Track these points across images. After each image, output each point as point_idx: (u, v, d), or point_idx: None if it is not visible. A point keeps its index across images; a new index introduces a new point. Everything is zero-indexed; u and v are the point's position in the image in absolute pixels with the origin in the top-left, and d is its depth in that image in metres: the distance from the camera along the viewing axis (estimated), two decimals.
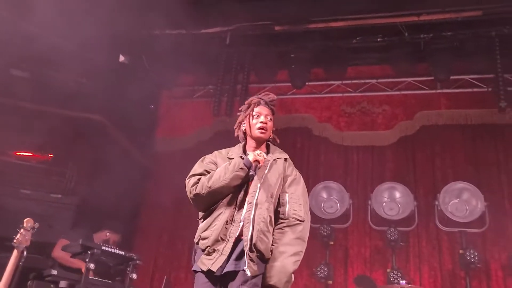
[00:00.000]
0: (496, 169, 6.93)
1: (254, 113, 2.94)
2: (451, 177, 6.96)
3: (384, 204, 6.85)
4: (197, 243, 2.72)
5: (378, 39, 6.97)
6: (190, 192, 2.76)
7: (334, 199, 7.11)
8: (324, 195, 7.15)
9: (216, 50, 7.53)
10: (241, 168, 2.68)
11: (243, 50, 7.62)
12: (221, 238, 2.61)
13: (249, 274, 2.49)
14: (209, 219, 2.72)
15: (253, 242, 2.55)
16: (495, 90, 6.84)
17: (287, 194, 2.79)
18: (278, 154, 2.94)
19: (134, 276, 4.51)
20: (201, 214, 2.86)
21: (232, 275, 2.56)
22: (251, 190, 2.70)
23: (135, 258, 4.59)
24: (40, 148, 6.88)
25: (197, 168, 2.89)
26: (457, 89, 7.40)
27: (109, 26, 5.95)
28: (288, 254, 2.61)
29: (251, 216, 2.60)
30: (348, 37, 7.04)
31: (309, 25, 6.97)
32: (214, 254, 2.59)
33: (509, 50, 6.65)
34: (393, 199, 6.89)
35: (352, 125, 7.65)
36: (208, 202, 2.74)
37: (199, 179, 2.76)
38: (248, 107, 2.99)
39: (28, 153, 7.09)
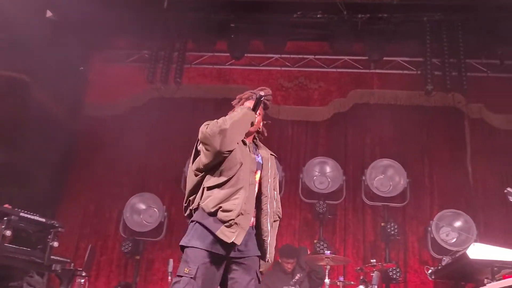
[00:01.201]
0: (420, 148, 7.35)
1: None
2: (378, 154, 7.29)
3: (315, 178, 7.05)
4: (213, 212, 2.64)
5: (318, 16, 7.02)
6: (205, 131, 2.66)
7: None
8: None
9: (153, 13, 7.22)
10: (247, 108, 2.81)
11: (182, 16, 7.36)
12: (241, 213, 2.66)
13: (270, 262, 2.77)
14: (227, 190, 2.68)
15: (270, 234, 2.79)
16: (423, 73, 7.17)
17: (275, 192, 2.98)
18: (269, 151, 3.06)
19: (56, 244, 4.32)
20: (208, 182, 2.75)
21: (239, 258, 2.69)
22: (264, 183, 2.85)
23: (57, 225, 4.39)
24: None
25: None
26: (389, 70, 7.69)
27: None
28: (273, 246, 2.86)
29: (268, 209, 2.81)
30: (289, 11, 7.02)
31: None
32: (236, 227, 2.62)
33: (438, 36, 6.96)
34: (323, 174, 7.10)
35: (288, 99, 7.74)
36: (232, 139, 2.67)
37: (218, 120, 2.74)
38: (239, 101, 3.03)
39: None
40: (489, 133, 7.26)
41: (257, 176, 2.86)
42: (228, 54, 7.68)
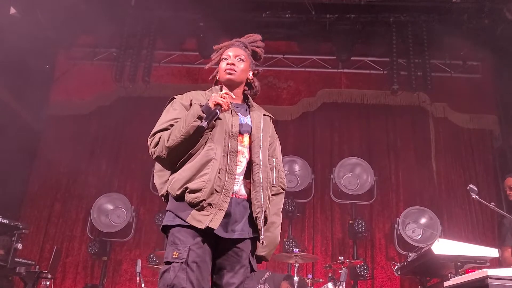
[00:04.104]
0: (386, 146, 7.49)
1: (223, 56, 2.53)
2: (346, 152, 7.39)
3: None
4: (179, 195, 2.21)
5: (287, 15, 7.07)
6: (152, 155, 2.31)
7: None
8: None
9: (120, 11, 7.11)
10: (198, 118, 2.20)
11: (150, 14, 7.28)
12: (215, 190, 2.20)
13: (265, 243, 2.32)
14: (193, 166, 2.23)
15: (264, 209, 2.31)
16: (389, 73, 7.34)
17: (274, 159, 2.53)
18: (263, 110, 2.61)
19: (20, 246, 4.21)
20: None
21: (229, 241, 2.25)
22: (254, 148, 2.37)
23: (20, 227, 4.28)
24: None
25: (163, 120, 2.39)
26: (357, 69, 7.81)
27: None
28: (277, 225, 2.45)
29: (261, 179, 2.32)
30: (258, 10, 7.04)
31: None
32: (210, 209, 2.17)
33: (404, 36, 7.13)
34: (292, 172, 7.16)
35: (257, 98, 7.69)
36: (174, 161, 2.27)
37: (160, 138, 2.29)
38: (217, 52, 2.59)
39: None
40: (452, 132, 7.46)
41: (245, 140, 2.39)
42: (197, 53, 7.64)
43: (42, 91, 7.68)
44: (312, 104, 7.68)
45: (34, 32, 6.86)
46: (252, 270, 2.30)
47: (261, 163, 2.36)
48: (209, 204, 2.18)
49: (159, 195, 2.42)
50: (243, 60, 2.50)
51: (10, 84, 6.64)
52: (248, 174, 2.37)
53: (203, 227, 2.14)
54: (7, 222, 4.27)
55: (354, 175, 7.10)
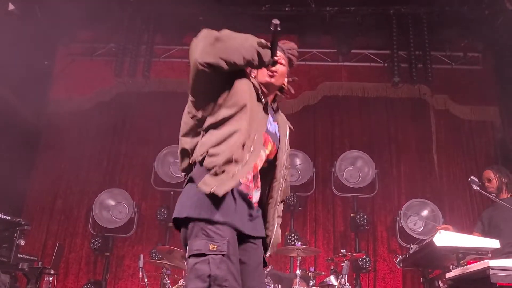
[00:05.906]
0: (387, 139, 7.48)
1: None
2: (347, 145, 7.39)
3: None
4: (201, 161, 2.10)
5: (286, 8, 7.04)
6: (197, 38, 2.13)
7: None
8: None
9: (120, 5, 7.08)
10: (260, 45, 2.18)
11: (149, 9, 7.26)
12: (235, 160, 2.04)
13: (270, 254, 2.36)
14: (219, 133, 2.10)
15: (275, 225, 2.34)
16: (390, 66, 7.31)
17: (286, 171, 2.53)
18: (285, 118, 2.57)
19: (22, 242, 4.23)
20: (207, 123, 2.17)
21: (250, 238, 2.18)
22: (278, 166, 2.35)
23: (23, 223, 4.29)
24: None
25: None
26: (357, 62, 7.78)
27: None
28: (277, 226, 2.44)
29: (278, 198, 2.33)
30: (257, 3, 7.01)
31: None
32: (222, 176, 2.01)
33: (404, 28, 7.09)
34: (293, 166, 7.16)
35: None
36: (200, 53, 2.08)
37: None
38: None
39: None
40: (453, 123, 7.45)
41: (269, 147, 2.32)
42: None
43: (41, 88, 7.66)
44: (312, 97, 7.65)
45: (33, 28, 6.85)
46: (265, 264, 2.34)
47: (282, 181, 2.36)
48: (223, 171, 2.03)
49: (190, 162, 2.23)
50: (283, 65, 2.42)
51: (10, 81, 6.61)
52: (256, 179, 2.29)
53: (208, 191, 1.98)
54: (9, 218, 4.28)
55: (355, 168, 7.10)
